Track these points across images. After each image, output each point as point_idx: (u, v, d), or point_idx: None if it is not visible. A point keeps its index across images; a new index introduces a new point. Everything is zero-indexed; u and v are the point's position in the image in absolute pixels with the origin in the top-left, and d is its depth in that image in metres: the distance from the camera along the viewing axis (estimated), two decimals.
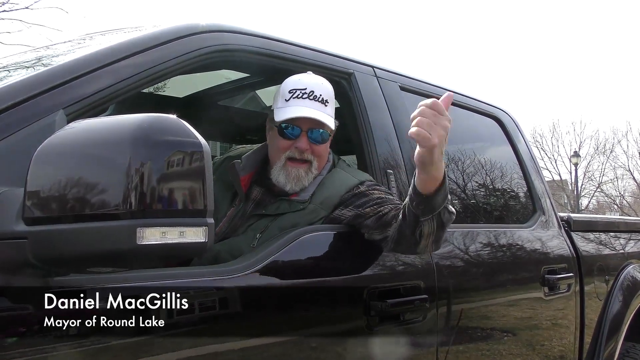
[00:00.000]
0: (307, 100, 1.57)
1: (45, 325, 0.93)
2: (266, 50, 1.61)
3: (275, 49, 1.64)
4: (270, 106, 1.70)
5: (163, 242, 0.84)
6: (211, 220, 0.89)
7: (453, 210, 1.40)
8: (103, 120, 0.92)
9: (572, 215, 2.63)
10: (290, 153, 1.60)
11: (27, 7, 13.10)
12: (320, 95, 1.59)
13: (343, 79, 1.80)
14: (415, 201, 1.35)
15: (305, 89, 1.58)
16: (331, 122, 1.60)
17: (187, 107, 2.46)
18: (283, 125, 1.59)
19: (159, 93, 2.44)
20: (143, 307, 1.07)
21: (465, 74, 52.64)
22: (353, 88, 1.80)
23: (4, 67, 1.46)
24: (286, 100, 1.59)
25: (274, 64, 1.67)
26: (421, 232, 1.38)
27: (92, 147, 0.87)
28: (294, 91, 1.59)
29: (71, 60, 1.21)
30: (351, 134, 1.82)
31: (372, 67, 1.92)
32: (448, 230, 1.87)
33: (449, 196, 1.39)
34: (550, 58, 56.65)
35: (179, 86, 2.36)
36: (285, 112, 1.58)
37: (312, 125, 1.58)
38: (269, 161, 1.70)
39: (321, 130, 1.60)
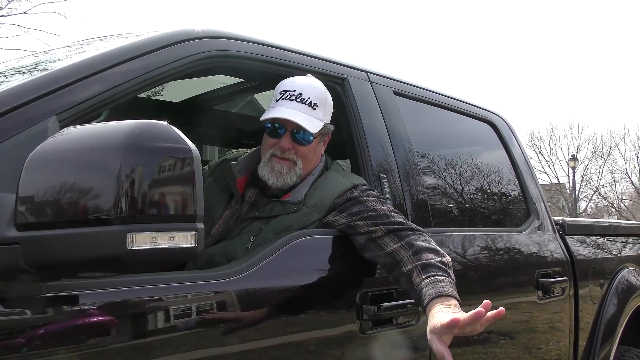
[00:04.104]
0: (293, 102, 1.61)
1: (38, 330, 0.94)
2: (261, 56, 1.63)
3: (270, 54, 1.66)
4: None
5: (153, 247, 0.85)
6: (201, 226, 0.90)
7: (447, 268, 1.43)
8: (95, 127, 0.93)
9: (567, 219, 2.64)
10: (274, 151, 1.64)
11: (25, 12, 13.14)
12: (309, 98, 1.62)
13: (337, 84, 1.81)
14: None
15: (295, 91, 1.62)
16: (315, 126, 1.62)
17: (183, 112, 2.48)
18: (269, 124, 1.64)
19: (155, 98, 2.45)
20: (134, 311, 1.08)
21: (460, 77, 52.79)
22: (347, 93, 1.81)
23: (1, 73, 1.47)
24: (276, 101, 1.64)
25: (268, 69, 1.68)
26: None
27: (84, 154, 0.88)
28: (284, 92, 1.63)
29: (65, 67, 1.22)
30: (345, 138, 1.83)
31: (366, 72, 1.94)
32: (445, 234, 1.90)
33: (444, 267, 1.42)
34: (547, 61, 56.81)
35: (175, 91, 2.37)
36: (271, 112, 1.62)
37: (296, 126, 1.61)
38: None
39: (304, 132, 1.62)
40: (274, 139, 1.64)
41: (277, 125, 1.63)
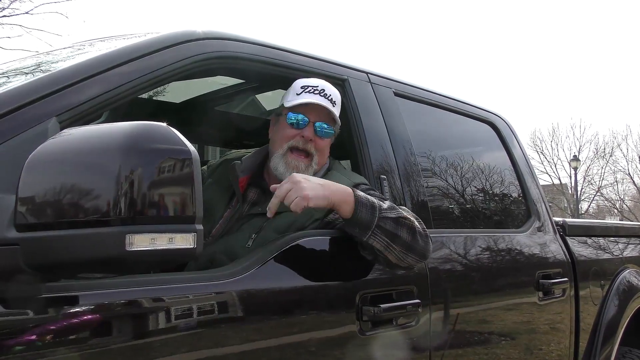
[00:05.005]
0: (318, 96, 1.65)
1: (37, 330, 0.95)
2: (261, 57, 1.63)
3: (271, 55, 1.66)
4: (273, 110, 1.74)
5: (152, 248, 0.85)
6: (200, 227, 0.91)
7: (397, 215, 1.46)
8: (95, 128, 0.94)
9: (567, 220, 2.64)
10: (294, 142, 1.64)
11: (27, 12, 13.17)
12: (330, 95, 1.67)
13: (337, 85, 1.81)
14: (347, 228, 1.45)
15: (318, 86, 1.66)
16: (337, 120, 1.68)
17: (183, 112, 2.48)
18: (293, 113, 1.65)
19: (156, 99, 2.46)
20: (134, 312, 1.09)
21: (462, 78, 52.73)
22: (347, 94, 1.81)
23: (2, 74, 1.47)
24: (297, 94, 1.66)
25: (269, 70, 1.68)
26: (377, 249, 1.45)
27: (84, 155, 0.88)
28: (307, 87, 1.66)
29: (65, 68, 1.22)
30: (345, 139, 1.83)
31: (366, 73, 1.94)
32: (445, 235, 1.91)
33: (382, 204, 1.46)
34: (549, 62, 56.72)
35: (176, 92, 2.38)
36: (302, 99, 1.64)
37: (320, 118, 1.64)
38: (266, 163, 1.73)
39: (327, 125, 1.66)
40: (294, 129, 1.65)
41: (299, 116, 1.64)
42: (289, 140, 1.64)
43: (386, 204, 1.49)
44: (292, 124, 1.65)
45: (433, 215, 1.92)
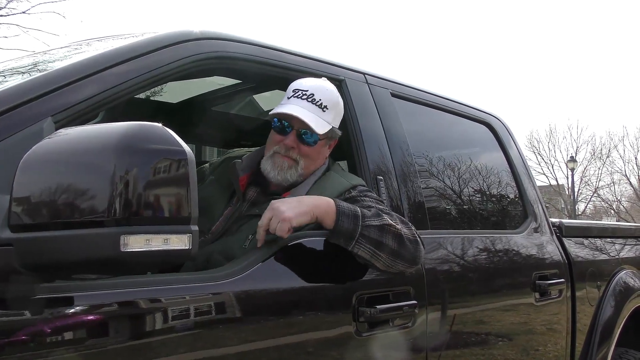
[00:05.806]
0: (304, 102, 1.62)
1: (32, 331, 0.94)
2: (258, 58, 1.63)
3: (268, 56, 1.66)
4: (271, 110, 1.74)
5: (147, 249, 0.85)
6: (195, 228, 0.90)
7: (381, 222, 1.46)
8: (90, 128, 0.93)
9: (564, 220, 2.65)
10: (278, 148, 1.64)
11: (24, 12, 13.14)
12: (320, 100, 1.63)
13: (334, 85, 1.81)
14: (331, 239, 1.45)
15: (307, 90, 1.63)
16: (321, 127, 1.62)
17: (181, 112, 2.48)
18: (276, 120, 1.65)
19: (153, 99, 2.45)
20: (130, 313, 1.08)
21: (459, 79, 52.78)
22: (344, 94, 1.81)
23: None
24: (287, 98, 1.65)
25: (265, 70, 1.68)
26: (364, 258, 1.46)
27: (79, 155, 0.88)
28: (297, 91, 1.64)
29: (61, 67, 1.22)
30: (342, 140, 1.83)
31: (363, 73, 1.94)
32: (442, 236, 1.91)
33: (366, 212, 1.47)
34: (546, 62, 56.85)
35: (173, 92, 2.37)
36: (281, 108, 1.63)
37: (303, 125, 1.61)
38: None
39: (310, 132, 1.62)
40: (280, 135, 1.65)
41: (284, 122, 1.63)
42: (275, 145, 1.65)
43: (371, 212, 1.48)
44: (276, 130, 1.65)
45: (430, 216, 1.92)
